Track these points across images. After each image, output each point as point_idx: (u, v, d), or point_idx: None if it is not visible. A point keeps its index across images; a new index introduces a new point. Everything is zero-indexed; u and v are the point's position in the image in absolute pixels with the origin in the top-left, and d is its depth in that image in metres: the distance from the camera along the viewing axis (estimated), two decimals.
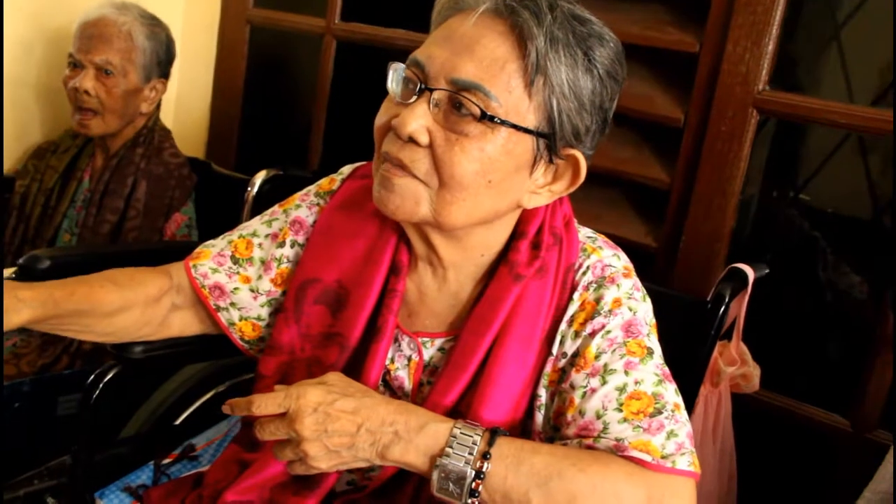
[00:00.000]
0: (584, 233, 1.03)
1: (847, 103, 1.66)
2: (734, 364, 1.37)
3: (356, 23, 2.15)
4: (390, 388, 1.05)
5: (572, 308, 0.97)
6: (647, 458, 0.87)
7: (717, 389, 1.39)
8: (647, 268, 1.53)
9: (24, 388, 1.60)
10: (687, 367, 1.17)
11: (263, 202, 1.59)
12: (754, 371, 1.41)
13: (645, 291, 1.00)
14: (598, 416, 0.91)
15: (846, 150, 1.87)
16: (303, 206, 1.13)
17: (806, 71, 1.91)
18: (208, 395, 1.52)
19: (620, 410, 0.90)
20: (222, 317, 1.13)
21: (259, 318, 1.13)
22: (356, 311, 1.03)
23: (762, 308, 1.39)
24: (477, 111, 0.88)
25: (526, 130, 0.89)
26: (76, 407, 1.24)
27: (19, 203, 1.91)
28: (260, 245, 1.12)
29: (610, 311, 0.95)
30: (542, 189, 0.96)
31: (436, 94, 0.89)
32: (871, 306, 1.75)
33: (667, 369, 0.95)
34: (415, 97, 0.91)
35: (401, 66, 0.94)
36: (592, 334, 0.95)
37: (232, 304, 1.12)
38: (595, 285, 0.97)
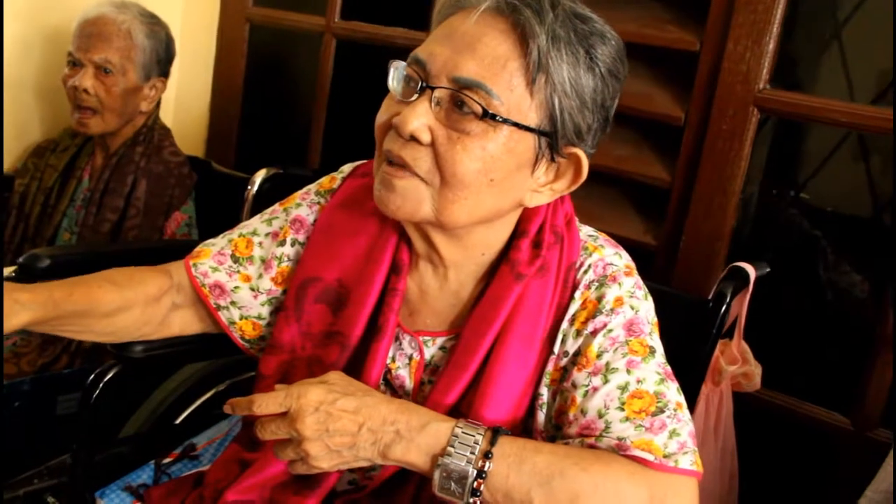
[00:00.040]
0: (585, 231, 1.03)
1: (848, 102, 1.66)
2: (735, 363, 1.37)
3: (356, 21, 2.14)
4: (391, 387, 1.05)
5: (574, 307, 0.97)
6: (650, 457, 0.87)
7: (718, 388, 1.39)
8: (647, 266, 1.53)
9: (23, 388, 1.60)
10: (688, 366, 1.17)
11: (263, 201, 1.59)
12: (755, 370, 1.41)
13: (647, 290, 1.00)
14: (600, 415, 0.90)
15: (846, 148, 1.88)
16: (303, 205, 1.12)
17: (807, 69, 1.91)
18: (209, 395, 1.52)
19: (622, 409, 0.90)
20: (223, 316, 1.12)
21: (259, 317, 1.13)
22: (357, 309, 1.02)
23: (763, 307, 1.39)
24: (479, 109, 0.87)
25: (528, 129, 0.89)
26: (76, 406, 1.23)
27: (19, 202, 1.91)
28: (260, 244, 1.12)
29: (612, 309, 0.95)
30: (544, 187, 0.96)
31: (437, 93, 0.89)
32: (871, 305, 1.75)
33: (669, 368, 0.95)
34: (416, 95, 0.90)
35: (402, 64, 0.93)
36: (594, 333, 0.94)
37: (232, 302, 1.12)
38: (597, 284, 0.97)
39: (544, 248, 0.98)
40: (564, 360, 0.96)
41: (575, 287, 0.98)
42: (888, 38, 1.60)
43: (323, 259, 1.07)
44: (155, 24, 1.84)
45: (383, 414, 0.88)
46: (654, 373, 0.92)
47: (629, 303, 0.96)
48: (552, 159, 0.93)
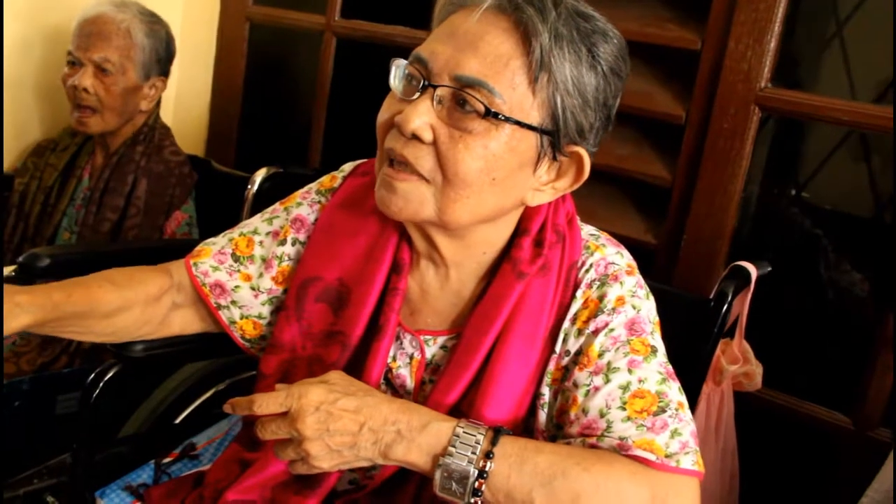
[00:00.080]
0: (587, 230, 1.03)
1: (849, 100, 1.65)
2: (736, 362, 1.37)
3: (356, 20, 2.14)
4: (392, 386, 1.05)
5: (575, 306, 0.97)
6: (651, 457, 0.87)
7: (719, 388, 1.38)
8: (648, 266, 1.53)
9: (23, 387, 1.59)
10: (689, 366, 1.17)
11: (264, 200, 1.58)
12: (756, 369, 1.41)
13: (648, 289, 1.00)
14: (602, 415, 0.90)
15: (847, 148, 1.87)
16: (304, 204, 1.12)
17: (808, 68, 1.91)
18: (209, 394, 1.51)
19: (624, 409, 0.90)
20: (223, 315, 1.12)
21: (260, 317, 1.12)
22: (358, 309, 1.02)
23: (764, 306, 1.38)
24: (481, 108, 0.87)
25: (530, 127, 0.89)
26: (76, 405, 1.23)
27: (18, 201, 1.90)
28: (261, 243, 1.12)
29: (613, 308, 0.95)
30: (546, 186, 0.95)
31: (439, 91, 0.89)
32: (872, 304, 1.75)
33: (670, 367, 0.95)
34: (418, 94, 0.90)
35: (403, 62, 0.93)
36: (596, 332, 0.94)
37: (233, 302, 1.11)
38: (598, 283, 0.97)
39: (546, 247, 0.98)
40: (566, 360, 0.96)
41: (576, 286, 0.98)
42: (890, 36, 1.60)
43: (324, 258, 1.06)
44: (155, 23, 1.84)
45: (384, 413, 0.88)
46: (655, 372, 0.92)
47: (631, 302, 0.96)
48: (554, 158, 0.93)
